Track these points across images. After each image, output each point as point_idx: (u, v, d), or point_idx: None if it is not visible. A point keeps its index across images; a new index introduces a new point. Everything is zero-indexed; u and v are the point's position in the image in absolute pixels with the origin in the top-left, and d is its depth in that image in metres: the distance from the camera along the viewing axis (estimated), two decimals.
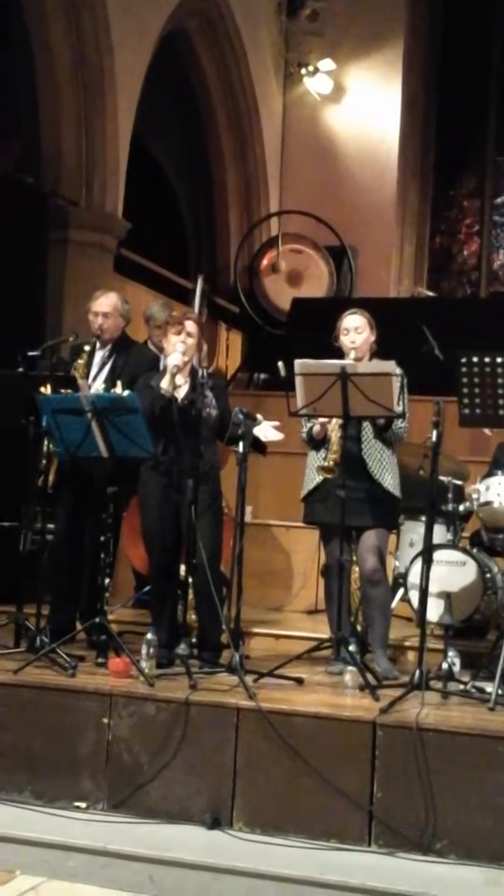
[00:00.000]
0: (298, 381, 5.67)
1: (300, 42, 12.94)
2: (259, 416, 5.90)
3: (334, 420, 5.84)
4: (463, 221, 14.12)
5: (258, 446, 5.98)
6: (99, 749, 5.16)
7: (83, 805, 5.13)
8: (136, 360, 6.42)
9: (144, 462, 5.85)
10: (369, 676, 5.52)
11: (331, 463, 5.80)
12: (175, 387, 5.75)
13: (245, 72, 12.27)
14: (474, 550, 6.71)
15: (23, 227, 8.64)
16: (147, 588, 7.11)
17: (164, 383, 5.75)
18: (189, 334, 5.88)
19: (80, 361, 6.40)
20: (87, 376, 6.34)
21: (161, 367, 6.09)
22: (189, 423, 5.71)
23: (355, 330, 6.00)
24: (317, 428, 5.97)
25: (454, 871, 4.60)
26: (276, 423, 5.97)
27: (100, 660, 5.77)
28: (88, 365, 6.41)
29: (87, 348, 6.43)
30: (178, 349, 5.80)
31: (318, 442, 6.01)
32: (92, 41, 9.30)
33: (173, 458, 5.80)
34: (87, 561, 6.26)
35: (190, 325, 5.92)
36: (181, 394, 5.82)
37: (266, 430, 5.94)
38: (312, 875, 4.50)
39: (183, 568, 5.88)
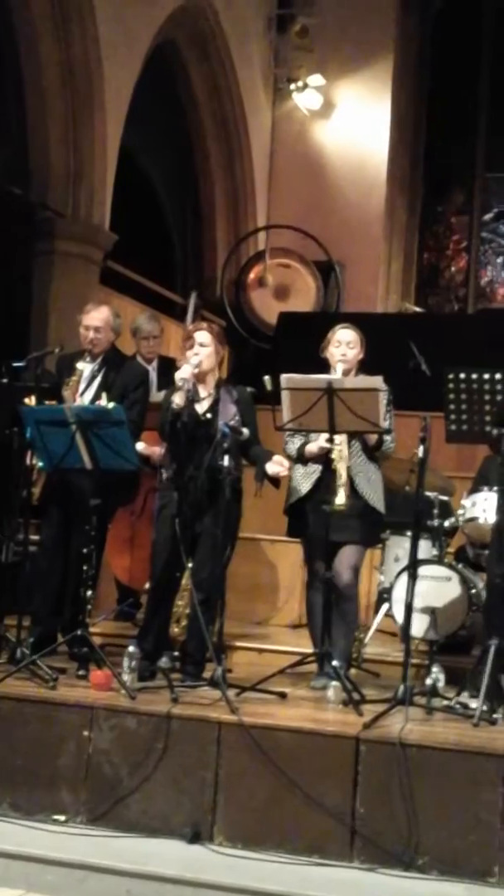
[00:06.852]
0: (285, 395, 5.66)
1: (290, 57, 12.94)
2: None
3: (338, 451, 5.77)
4: (451, 238, 14.14)
5: (269, 478, 5.93)
6: (79, 762, 5.12)
7: (62, 818, 5.09)
8: (126, 375, 6.36)
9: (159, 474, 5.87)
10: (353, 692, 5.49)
11: (343, 507, 5.72)
12: (194, 401, 5.72)
13: (234, 86, 12.27)
14: (459, 566, 6.70)
15: (9, 238, 8.64)
16: (130, 600, 7.11)
17: (177, 397, 5.71)
18: (202, 344, 5.84)
19: (74, 378, 6.28)
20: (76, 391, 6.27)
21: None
22: (208, 437, 5.69)
23: (347, 344, 5.97)
24: (314, 450, 5.91)
25: (436, 887, 4.58)
26: (281, 461, 5.88)
27: (81, 672, 5.73)
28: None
29: (79, 366, 6.34)
30: (191, 362, 5.76)
31: (305, 459, 5.96)
32: (81, 53, 9.31)
33: (191, 472, 5.76)
34: (71, 573, 6.22)
35: (200, 336, 5.87)
36: (203, 407, 5.80)
37: (272, 467, 5.86)
38: (293, 890, 4.46)
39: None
